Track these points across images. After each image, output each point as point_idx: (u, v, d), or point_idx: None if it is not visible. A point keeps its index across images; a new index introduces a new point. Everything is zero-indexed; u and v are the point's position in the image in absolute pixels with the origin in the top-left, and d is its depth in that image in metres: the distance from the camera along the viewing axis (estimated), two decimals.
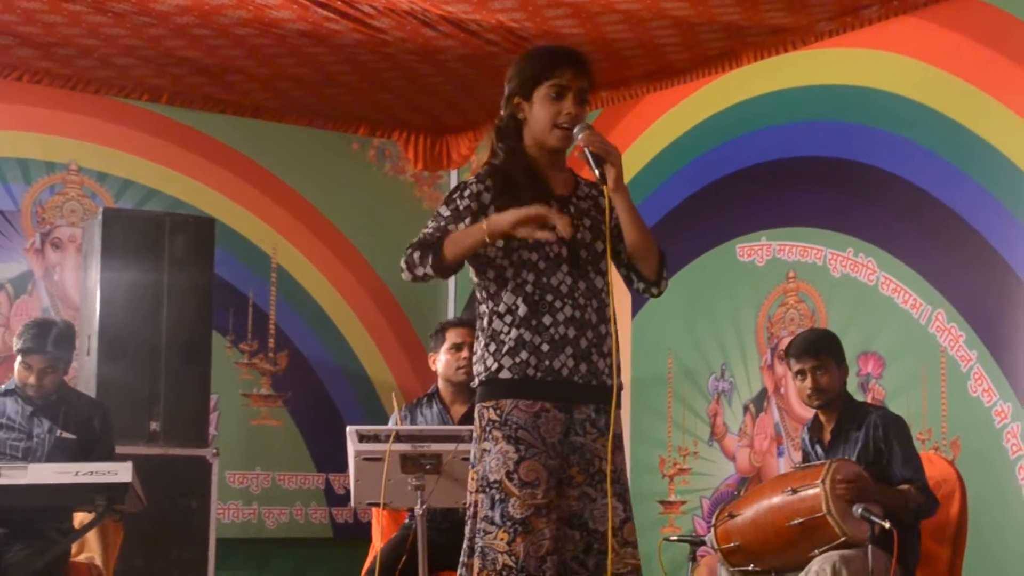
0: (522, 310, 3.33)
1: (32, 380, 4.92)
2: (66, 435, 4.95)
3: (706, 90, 6.65)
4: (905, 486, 4.33)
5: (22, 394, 4.99)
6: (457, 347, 5.14)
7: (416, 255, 3.31)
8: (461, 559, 3.38)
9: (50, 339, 4.92)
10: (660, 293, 3.49)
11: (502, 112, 3.48)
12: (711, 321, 6.45)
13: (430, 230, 3.34)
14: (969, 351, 5.40)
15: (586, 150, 3.31)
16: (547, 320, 3.33)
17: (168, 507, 5.66)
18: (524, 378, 3.31)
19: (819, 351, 4.56)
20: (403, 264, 3.35)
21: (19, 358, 4.96)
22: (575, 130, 3.35)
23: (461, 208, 3.35)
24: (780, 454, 6.08)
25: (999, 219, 5.35)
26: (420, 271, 3.33)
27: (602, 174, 3.30)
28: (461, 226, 3.32)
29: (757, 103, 6.40)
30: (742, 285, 6.33)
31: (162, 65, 6.75)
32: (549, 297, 3.34)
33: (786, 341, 5.65)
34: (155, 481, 5.17)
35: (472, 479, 3.37)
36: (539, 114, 3.39)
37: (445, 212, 3.36)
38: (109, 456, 5.01)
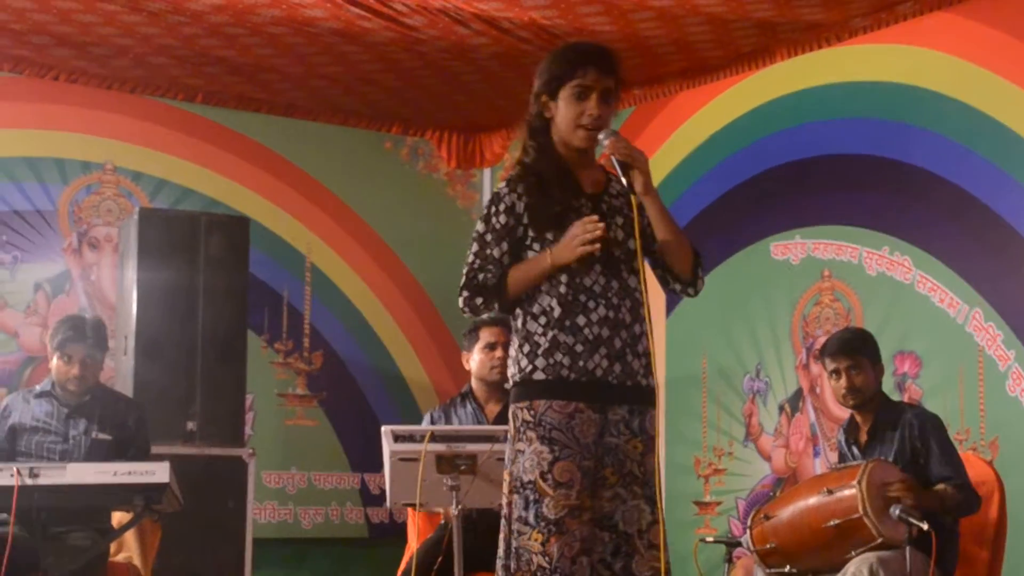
0: (556, 311, 3.34)
1: (76, 371, 4.94)
2: (102, 436, 4.98)
3: (739, 87, 6.62)
4: (942, 485, 4.29)
5: (57, 395, 5.02)
6: (491, 346, 5.13)
7: (479, 301, 3.40)
8: (498, 560, 3.39)
9: (87, 330, 4.97)
10: (697, 293, 3.50)
11: (531, 108, 3.48)
12: (746, 320, 6.43)
13: (477, 263, 3.39)
14: (1007, 350, 5.36)
15: (612, 159, 3.32)
16: (581, 320, 3.33)
17: (205, 507, 5.66)
18: (558, 379, 3.32)
19: (854, 350, 4.54)
20: (464, 308, 3.43)
21: (56, 354, 4.99)
22: (601, 136, 3.36)
23: (499, 227, 3.39)
24: (816, 454, 6.05)
25: None
26: (487, 314, 3.46)
27: (630, 183, 3.30)
28: (504, 246, 3.36)
29: (791, 100, 6.37)
30: (777, 284, 6.30)
31: (197, 64, 6.78)
32: (583, 297, 3.35)
33: (821, 340, 5.62)
34: (192, 481, 5.19)
35: (506, 480, 3.38)
36: (564, 114, 3.41)
37: (484, 232, 3.39)
38: (144, 455, 5.03)
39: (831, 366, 4.56)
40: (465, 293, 3.39)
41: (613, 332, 3.35)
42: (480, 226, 3.40)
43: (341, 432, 7.37)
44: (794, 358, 6.21)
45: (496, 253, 3.36)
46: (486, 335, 5.16)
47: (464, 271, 3.42)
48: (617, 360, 3.35)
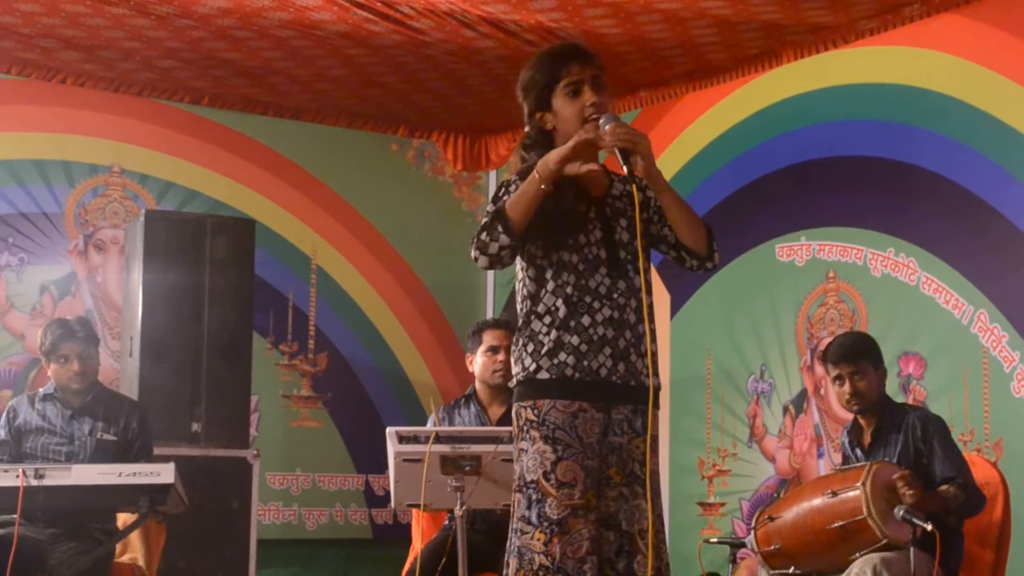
0: (562, 311, 3.34)
1: (75, 368, 4.95)
2: (107, 437, 4.99)
3: (745, 89, 6.63)
4: (946, 486, 4.29)
5: (60, 398, 5.03)
6: (494, 349, 5.14)
7: (484, 235, 3.30)
8: (506, 559, 3.39)
9: (75, 328, 4.98)
10: (715, 266, 3.49)
11: (527, 131, 3.49)
12: (750, 321, 6.43)
13: (487, 218, 3.35)
14: (1012, 352, 5.35)
15: (615, 149, 3.31)
16: (586, 321, 3.34)
17: (210, 508, 5.69)
18: (562, 378, 3.32)
19: (857, 356, 4.53)
20: (474, 252, 3.33)
21: (51, 358, 5.00)
22: (601, 121, 3.34)
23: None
24: (820, 455, 6.04)
25: None
26: (494, 246, 3.29)
27: (630, 171, 3.30)
28: None
29: (797, 102, 6.37)
30: (782, 285, 6.30)
31: (203, 67, 6.79)
32: (588, 299, 3.35)
33: (826, 342, 5.61)
34: (197, 482, 5.22)
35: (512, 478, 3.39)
36: (565, 116, 3.41)
37: (494, 207, 3.38)
38: (147, 456, 5.04)
39: (834, 372, 4.55)
40: (474, 241, 3.35)
41: (618, 332, 3.36)
42: (489, 207, 3.40)
43: (346, 433, 7.38)
44: (798, 359, 6.20)
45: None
46: (489, 338, 5.16)
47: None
48: (621, 360, 3.35)
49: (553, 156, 3.28)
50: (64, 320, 5.14)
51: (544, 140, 3.47)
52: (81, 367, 4.97)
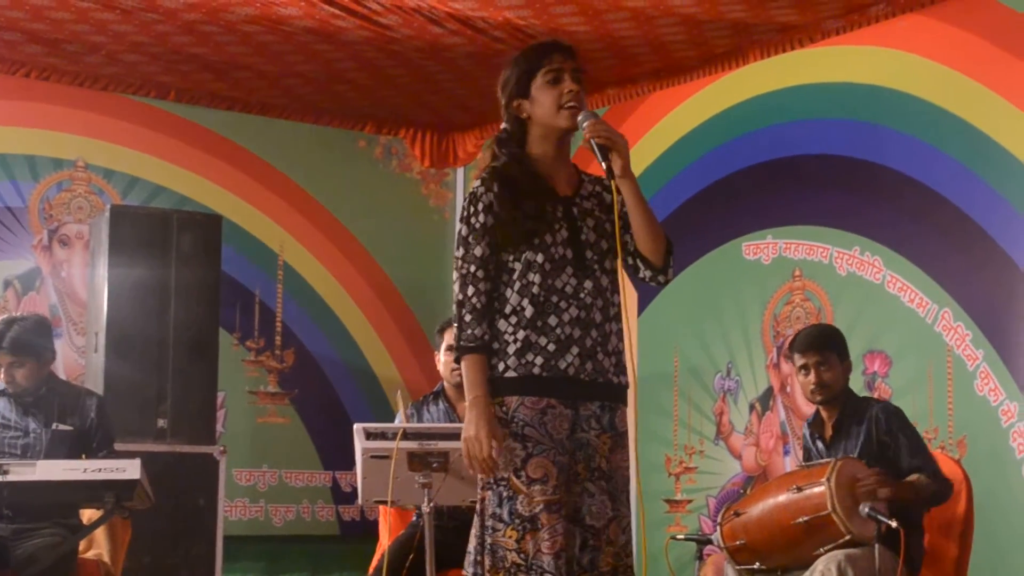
0: (528, 311, 3.34)
1: (2, 376, 4.92)
2: (62, 427, 4.95)
3: (712, 88, 6.65)
4: (915, 475, 4.33)
5: (13, 392, 4.99)
6: (451, 347, 5.12)
7: (460, 327, 3.37)
8: (469, 556, 3.39)
9: (10, 333, 4.90)
10: (667, 281, 3.49)
11: (503, 122, 3.49)
12: (717, 320, 6.45)
13: (466, 269, 3.35)
14: (976, 350, 5.40)
15: (592, 142, 3.32)
16: (552, 321, 3.34)
17: (176, 504, 5.67)
18: (529, 376, 3.33)
19: (823, 346, 4.56)
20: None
21: None
22: (580, 118, 3.35)
23: (478, 227, 3.37)
24: (786, 452, 6.08)
25: (1006, 218, 5.35)
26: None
27: (609, 167, 3.31)
28: (485, 245, 3.35)
29: (763, 101, 6.40)
30: (748, 283, 6.33)
31: (169, 62, 6.76)
32: (555, 298, 3.35)
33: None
34: (163, 478, 5.19)
35: (480, 476, 3.38)
36: (543, 101, 3.41)
37: (468, 235, 3.38)
38: (109, 445, 5.01)
39: (800, 361, 4.58)
40: (458, 308, 3.38)
41: (584, 332, 3.36)
42: (463, 229, 3.40)
43: (313, 430, 7.37)
44: (765, 357, 6.24)
45: (478, 252, 3.36)
46: (449, 337, 5.15)
47: (455, 278, 3.37)
48: (589, 359, 3.36)
49: (480, 448, 3.27)
50: (7, 323, 4.99)
51: (518, 131, 3.46)
52: (7, 376, 4.91)
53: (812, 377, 4.53)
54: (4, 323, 5.00)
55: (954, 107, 5.58)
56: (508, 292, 3.37)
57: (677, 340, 6.62)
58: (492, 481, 3.32)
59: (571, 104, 3.38)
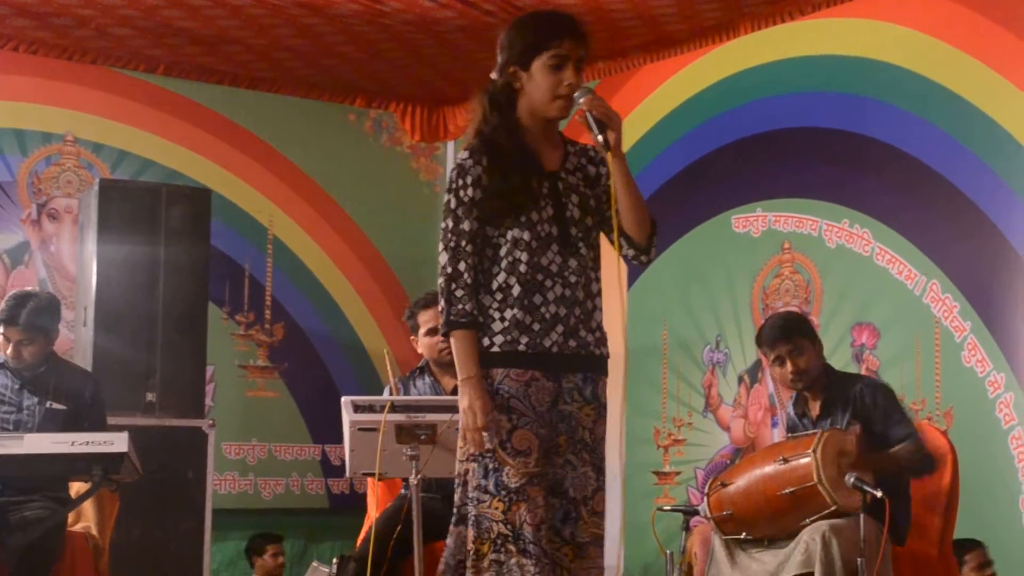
0: (516, 289, 3.34)
1: (10, 352, 4.92)
2: (56, 406, 4.95)
3: (703, 61, 6.64)
4: (899, 446, 4.34)
5: (12, 367, 4.99)
6: (433, 331, 5.08)
7: (450, 301, 3.35)
8: (451, 527, 3.40)
9: (26, 310, 4.89)
10: (649, 261, 3.49)
11: (495, 77, 3.45)
12: (706, 292, 6.46)
13: (453, 242, 3.34)
14: (963, 322, 5.41)
15: (588, 114, 3.31)
16: (538, 299, 3.34)
17: (164, 477, 5.67)
18: (514, 352, 3.33)
19: (790, 333, 4.53)
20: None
21: (1, 330, 4.96)
22: (576, 94, 3.34)
23: (466, 200, 3.36)
24: (774, 425, 6.09)
25: (994, 190, 5.35)
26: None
27: (605, 140, 3.29)
28: (473, 219, 3.33)
29: (754, 74, 6.39)
30: (737, 256, 6.33)
31: (159, 36, 6.74)
32: (540, 276, 3.35)
33: (782, 311, 5.66)
34: (151, 452, 5.19)
35: (461, 448, 3.39)
36: (539, 84, 3.37)
37: (456, 207, 3.36)
38: (101, 427, 5.01)
39: (772, 354, 4.56)
40: (444, 277, 3.37)
41: (568, 311, 3.37)
42: (452, 201, 3.38)
43: (302, 403, 7.38)
44: (754, 330, 6.22)
45: (466, 227, 3.35)
46: (425, 318, 5.12)
47: (443, 249, 3.36)
48: (572, 336, 3.37)
49: (480, 418, 3.28)
50: (23, 298, 4.96)
51: (508, 98, 3.42)
52: (16, 353, 4.90)
53: (788, 367, 4.51)
54: (19, 298, 4.97)
55: (943, 79, 5.58)
56: (494, 269, 3.36)
57: (666, 313, 6.63)
58: (478, 453, 3.33)
59: (567, 96, 3.36)
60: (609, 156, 3.32)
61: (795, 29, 6.20)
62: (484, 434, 3.29)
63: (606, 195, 3.43)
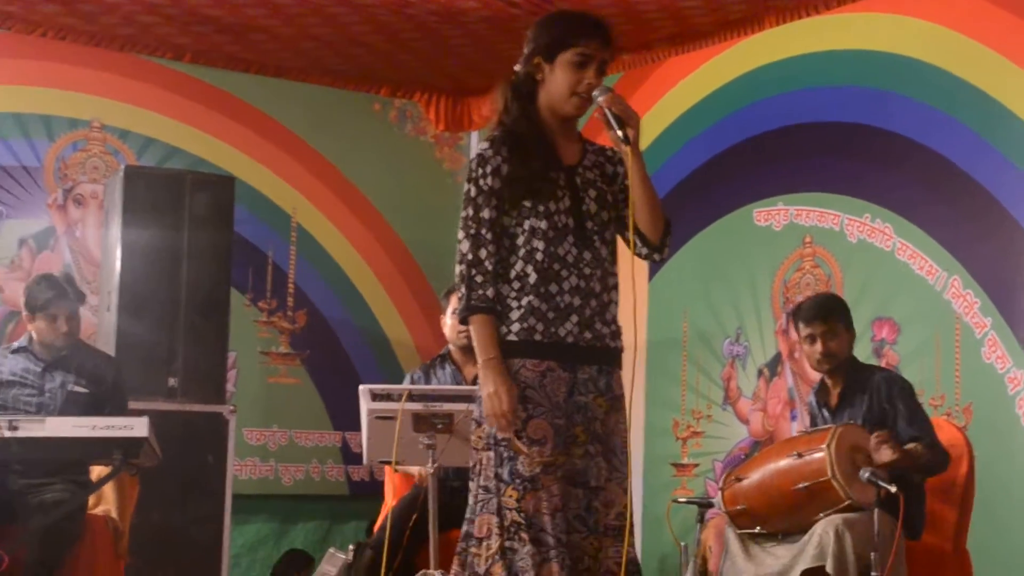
0: (532, 277, 3.38)
1: (64, 329, 4.97)
2: (78, 388, 5.01)
3: (728, 54, 6.63)
4: (911, 444, 4.34)
5: (34, 351, 5.04)
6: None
7: (470, 287, 3.39)
8: (467, 515, 3.43)
9: (67, 288, 4.99)
10: (662, 260, 3.53)
11: (519, 69, 3.49)
12: (727, 285, 6.46)
13: (473, 230, 3.38)
14: (984, 318, 5.39)
15: (608, 110, 3.34)
16: (554, 288, 3.38)
17: (185, 463, 5.72)
18: (531, 341, 3.36)
19: (829, 315, 4.57)
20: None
21: (40, 315, 5.00)
22: (595, 92, 3.37)
23: (486, 189, 3.40)
24: (793, 418, 6.09)
25: (1017, 185, 5.33)
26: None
27: (624, 135, 3.32)
28: (493, 208, 3.38)
29: (778, 68, 6.38)
30: (759, 250, 6.33)
31: (186, 23, 6.77)
32: (556, 266, 3.39)
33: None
34: (173, 437, 5.24)
35: (478, 437, 3.42)
36: (560, 79, 3.42)
37: (476, 195, 3.41)
38: (122, 411, 5.06)
39: (806, 331, 4.59)
40: (463, 268, 3.39)
41: (584, 301, 3.40)
42: (472, 189, 3.42)
43: (323, 391, 7.41)
44: (774, 323, 6.24)
45: (486, 215, 3.39)
46: (454, 301, 5.17)
47: (463, 237, 3.40)
48: (587, 328, 3.40)
49: (506, 402, 3.29)
50: (55, 279, 5.09)
51: (529, 88, 3.47)
52: (68, 328, 4.99)
53: (819, 347, 4.54)
54: (50, 279, 5.08)
55: (967, 74, 5.55)
56: (512, 258, 3.40)
57: (687, 305, 6.63)
58: (492, 442, 3.35)
59: (585, 95, 3.39)
60: (627, 151, 3.35)
61: (819, 23, 6.18)
62: (511, 417, 3.30)
63: (623, 194, 3.46)
